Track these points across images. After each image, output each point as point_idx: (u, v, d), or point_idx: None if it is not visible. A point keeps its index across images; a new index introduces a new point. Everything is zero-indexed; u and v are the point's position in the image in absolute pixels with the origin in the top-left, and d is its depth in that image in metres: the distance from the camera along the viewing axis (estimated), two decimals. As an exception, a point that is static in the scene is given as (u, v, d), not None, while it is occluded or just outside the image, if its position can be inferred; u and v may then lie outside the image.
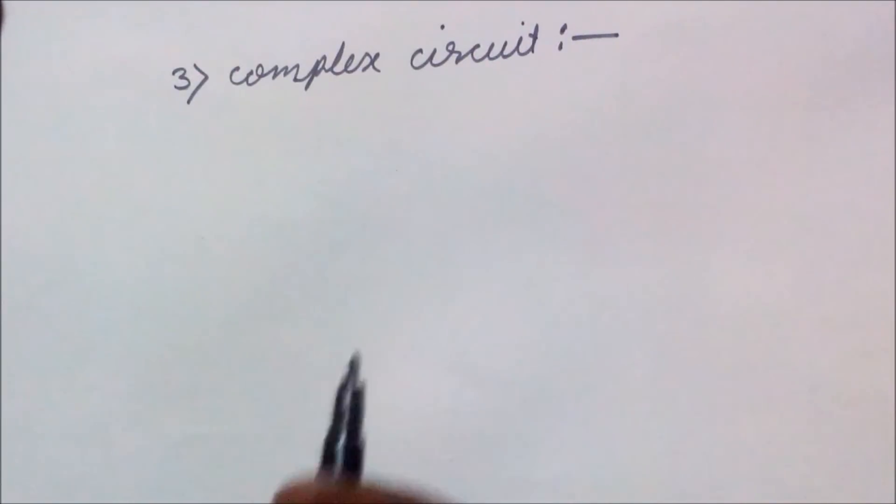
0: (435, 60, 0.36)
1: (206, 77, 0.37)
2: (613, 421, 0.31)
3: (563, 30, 0.36)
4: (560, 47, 0.36)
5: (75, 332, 0.35)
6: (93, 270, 0.35)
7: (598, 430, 0.31)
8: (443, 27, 0.36)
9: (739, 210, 0.33)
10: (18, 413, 0.34)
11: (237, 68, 0.37)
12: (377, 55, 0.36)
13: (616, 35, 0.35)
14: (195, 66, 0.37)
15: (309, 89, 0.37)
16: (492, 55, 0.36)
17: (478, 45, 0.36)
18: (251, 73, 0.37)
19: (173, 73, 0.37)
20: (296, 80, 0.37)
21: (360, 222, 0.35)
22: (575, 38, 0.36)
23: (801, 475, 0.30)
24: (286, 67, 0.37)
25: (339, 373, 0.25)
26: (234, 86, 0.37)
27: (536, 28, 0.36)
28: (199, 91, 0.37)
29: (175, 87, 0.37)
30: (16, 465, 0.33)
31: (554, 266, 0.33)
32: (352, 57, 0.36)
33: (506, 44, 0.36)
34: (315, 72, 0.37)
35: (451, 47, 0.36)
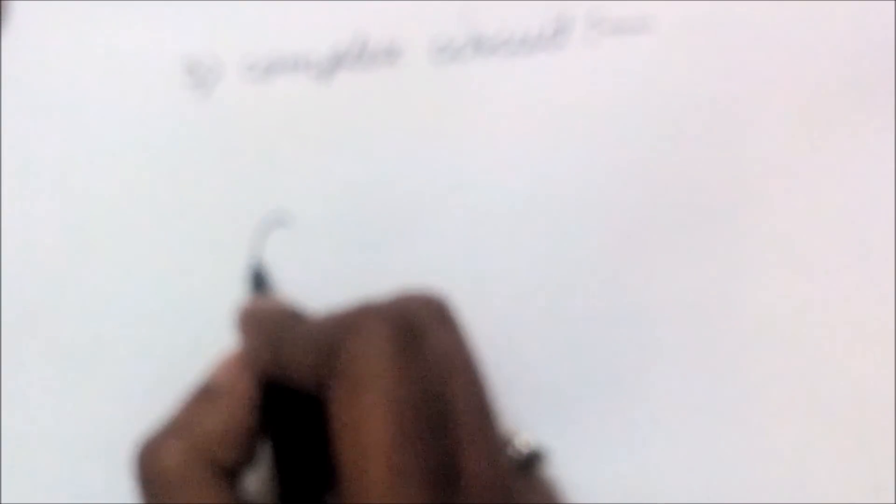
0: (458, 56, 0.36)
1: (220, 72, 0.37)
2: (639, 426, 0.31)
3: (591, 24, 0.35)
4: (588, 42, 0.35)
5: (81, 335, 0.34)
6: (99, 273, 0.35)
7: (623, 436, 0.31)
8: (466, 21, 0.36)
9: (771, 213, 0.33)
10: (20, 417, 0.33)
11: (253, 63, 0.36)
12: (398, 50, 0.36)
13: (646, 31, 0.35)
14: (208, 60, 0.37)
15: (328, 85, 0.36)
16: (517, 50, 0.36)
17: (503, 40, 0.36)
18: (268, 67, 0.36)
19: (185, 66, 0.37)
20: (314, 75, 0.36)
21: (380, 222, 0.34)
22: (603, 33, 0.35)
23: (831, 482, 0.30)
24: (305, 63, 0.36)
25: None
26: (249, 82, 0.36)
27: (563, 22, 0.36)
28: (213, 87, 0.36)
29: (187, 82, 0.37)
30: (17, 470, 0.32)
31: (580, 268, 0.33)
32: (372, 52, 0.36)
33: (532, 38, 0.36)
34: (334, 67, 0.36)
35: (475, 42, 0.36)
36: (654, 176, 0.34)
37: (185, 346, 0.33)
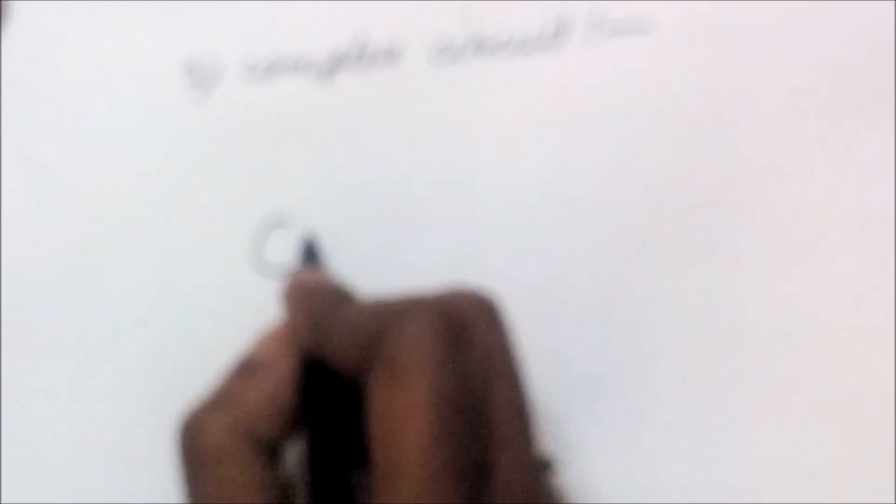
0: (458, 56, 0.36)
1: (220, 73, 0.37)
2: (638, 426, 0.31)
3: (591, 25, 0.35)
4: (588, 43, 0.35)
5: (81, 335, 0.34)
6: (99, 273, 0.35)
7: (623, 436, 0.31)
8: (466, 22, 0.36)
9: (771, 213, 0.33)
10: (20, 417, 0.33)
11: (253, 64, 0.36)
12: (398, 51, 0.36)
13: (646, 31, 0.35)
14: (208, 60, 0.37)
15: (328, 86, 0.36)
16: (518, 51, 0.36)
17: (503, 41, 0.36)
18: (268, 68, 0.36)
19: (185, 67, 0.37)
20: (314, 76, 0.36)
21: (381, 222, 0.34)
22: (603, 34, 0.35)
23: (831, 482, 0.29)
24: (305, 63, 0.36)
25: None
26: (249, 82, 0.36)
27: (564, 23, 0.36)
28: (213, 87, 0.36)
29: (187, 82, 0.37)
30: (17, 470, 0.32)
31: (581, 267, 0.33)
32: (372, 53, 0.36)
33: (532, 39, 0.36)
34: (335, 68, 0.36)
35: (475, 43, 0.36)
36: (655, 176, 0.34)
37: (186, 347, 0.33)
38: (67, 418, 0.33)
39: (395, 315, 0.23)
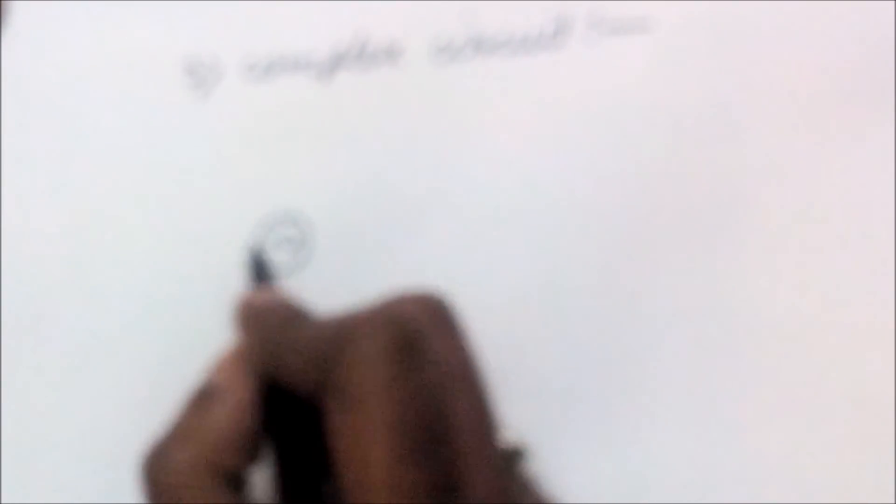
0: (458, 56, 0.36)
1: (220, 72, 0.36)
2: (638, 427, 0.31)
3: (591, 24, 0.35)
4: (588, 42, 0.35)
5: (81, 335, 0.34)
6: (99, 273, 0.34)
7: (622, 436, 0.31)
8: (466, 22, 0.36)
9: (771, 213, 0.33)
10: (20, 417, 0.33)
11: (253, 63, 0.36)
12: (398, 50, 0.36)
13: (646, 31, 0.35)
14: (208, 60, 0.37)
15: (328, 85, 0.36)
16: (518, 50, 0.35)
17: (503, 40, 0.36)
18: (268, 67, 0.36)
19: (185, 66, 0.37)
20: (314, 75, 0.36)
21: (380, 222, 0.34)
22: (603, 33, 0.35)
23: (830, 482, 0.29)
24: (305, 63, 0.36)
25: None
26: (249, 82, 0.36)
27: (563, 22, 0.36)
28: (213, 87, 0.36)
29: (187, 82, 0.37)
30: (17, 470, 0.32)
31: (580, 267, 0.33)
32: (372, 52, 0.36)
33: (532, 38, 0.36)
34: (334, 67, 0.36)
35: (475, 42, 0.36)
36: (654, 176, 0.34)
37: (186, 347, 0.33)
38: (67, 418, 0.33)
39: (345, 336, 0.23)
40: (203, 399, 0.26)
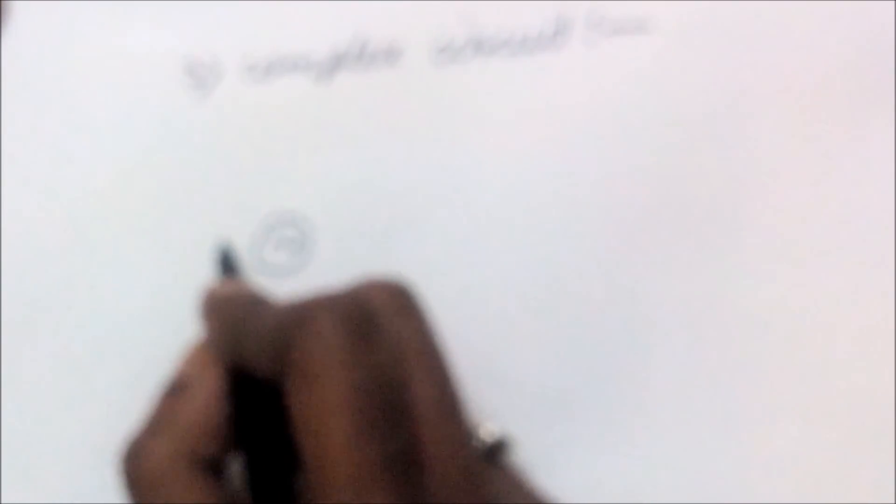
0: (458, 56, 0.36)
1: (220, 73, 0.36)
2: (637, 427, 0.31)
3: (591, 25, 0.35)
4: (588, 43, 0.35)
5: (81, 335, 0.34)
6: (99, 273, 0.34)
7: (622, 436, 0.31)
8: (466, 22, 0.36)
9: (771, 213, 0.33)
10: (20, 417, 0.33)
11: (253, 64, 0.36)
12: (398, 50, 0.36)
13: (646, 31, 0.35)
14: (208, 60, 0.37)
15: (328, 86, 0.36)
16: (517, 50, 0.35)
17: (503, 41, 0.36)
18: (268, 68, 0.36)
19: (185, 67, 0.37)
20: (314, 75, 0.36)
21: (380, 222, 0.34)
22: (603, 33, 0.35)
23: (830, 482, 0.30)
24: (305, 63, 0.36)
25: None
26: (249, 82, 0.36)
27: (563, 23, 0.36)
28: (213, 87, 0.36)
29: (187, 82, 0.37)
30: (17, 470, 0.32)
31: (580, 267, 0.33)
32: (372, 52, 0.36)
33: (532, 39, 0.36)
34: (334, 68, 0.36)
35: (475, 42, 0.36)
36: (654, 176, 0.34)
37: (186, 346, 0.33)
38: (68, 418, 0.33)
39: (299, 318, 0.23)
40: (174, 390, 0.27)
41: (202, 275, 0.34)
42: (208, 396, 0.26)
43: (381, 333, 0.23)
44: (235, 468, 0.27)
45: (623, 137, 0.34)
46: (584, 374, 0.32)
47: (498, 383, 0.32)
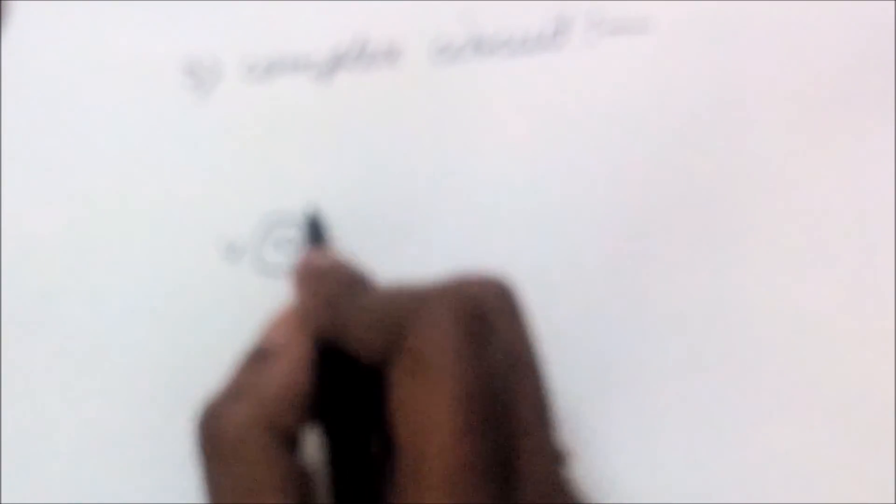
0: (458, 56, 0.36)
1: (220, 73, 0.36)
2: (637, 426, 0.31)
3: (591, 25, 0.35)
4: (588, 42, 0.35)
5: (81, 335, 0.34)
6: (99, 273, 0.34)
7: (622, 436, 0.31)
8: (466, 22, 0.36)
9: (771, 213, 0.33)
10: (20, 417, 0.33)
11: (253, 64, 0.36)
12: (398, 51, 0.36)
13: (646, 31, 0.35)
14: (208, 60, 0.37)
15: (328, 86, 0.36)
16: (517, 50, 0.35)
17: (503, 40, 0.36)
18: (268, 68, 0.36)
19: (185, 67, 0.37)
20: (314, 76, 0.36)
21: (380, 222, 0.34)
22: (603, 33, 0.35)
23: (830, 482, 0.29)
24: (305, 63, 0.36)
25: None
26: (249, 82, 0.36)
27: (563, 23, 0.36)
28: (213, 88, 0.36)
29: (187, 83, 0.37)
30: (17, 470, 0.32)
31: (580, 267, 0.33)
32: (372, 52, 0.36)
33: (532, 38, 0.36)
34: (334, 68, 0.36)
35: (475, 42, 0.36)
36: (654, 176, 0.34)
37: (186, 347, 0.33)
38: (67, 418, 0.33)
39: (417, 304, 0.23)
40: (259, 357, 0.26)
41: (202, 274, 0.34)
42: (293, 365, 0.26)
43: (494, 333, 0.22)
44: (312, 440, 0.26)
45: (623, 137, 0.34)
46: (584, 373, 0.32)
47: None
